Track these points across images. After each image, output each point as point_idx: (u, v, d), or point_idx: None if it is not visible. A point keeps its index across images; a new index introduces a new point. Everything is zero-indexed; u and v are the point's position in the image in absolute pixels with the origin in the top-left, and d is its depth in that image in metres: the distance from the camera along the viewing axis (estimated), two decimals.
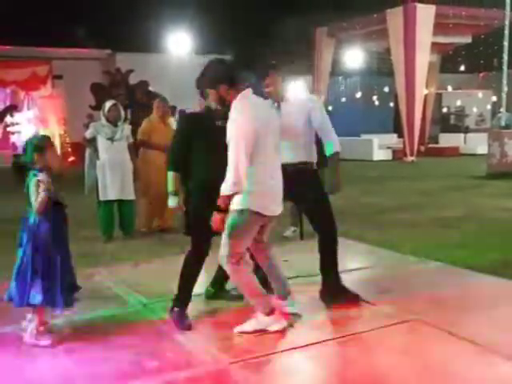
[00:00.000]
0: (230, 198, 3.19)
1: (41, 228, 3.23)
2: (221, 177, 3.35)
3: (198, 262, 3.60)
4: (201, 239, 3.58)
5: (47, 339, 3.26)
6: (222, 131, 3.48)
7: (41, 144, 3.31)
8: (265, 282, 3.59)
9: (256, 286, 3.38)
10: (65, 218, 3.37)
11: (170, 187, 3.67)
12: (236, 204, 3.26)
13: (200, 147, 3.56)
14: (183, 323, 3.52)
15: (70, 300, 3.33)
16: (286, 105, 3.82)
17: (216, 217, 3.24)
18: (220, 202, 3.21)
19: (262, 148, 3.24)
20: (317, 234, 3.96)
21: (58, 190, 3.32)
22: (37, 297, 3.20)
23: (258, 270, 3.57)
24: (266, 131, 3.26)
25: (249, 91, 3.33)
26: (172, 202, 3.71)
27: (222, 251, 3.34)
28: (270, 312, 3.39)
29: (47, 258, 3.23)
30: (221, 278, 4.01)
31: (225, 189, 3.17)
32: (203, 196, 3.53)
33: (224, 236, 3.33)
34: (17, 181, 3.41)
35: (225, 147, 3.36)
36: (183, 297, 3.61)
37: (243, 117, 3.18)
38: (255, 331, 3.37)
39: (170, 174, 3.66)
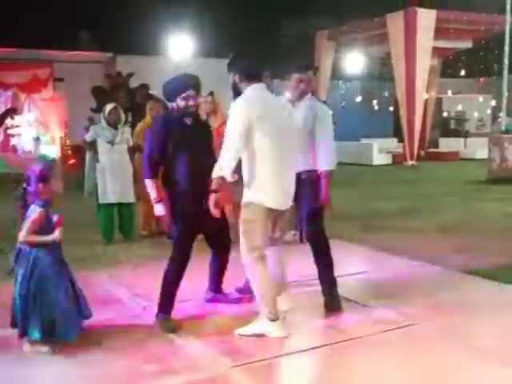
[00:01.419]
0: (220, 180, 3.21)
1: (39, 260, 3.17)
2: (203, 177, 3.44)
3: (181, 267, 3.59)
4: (182, 246, 3.59)
5: (46, 346, 3.23)
6: (193, 129, 3.61)
7: (46, 173, 3.25)
8: None
9: (270, 289, 3.37)
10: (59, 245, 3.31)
11: (153, 195, 3.65)
12: (244, 198, 3.33)
13: (175, 149, 3.57)
14: (168, 327, 3.52)
15: (74, 328, 3.28)
16: (299, 104, 3.82)
17: (211, 198, 3.25)
18: (212, 186, 3.25)
19: (265, 146, 3.25)
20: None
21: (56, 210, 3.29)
22: (35, 333, 3.16)
23: None
24: (270, 129, 3.25)
25: (261, 86, 3.36)
26: (158, 209, 3.68)
27: (241, 248, 3.38)
28: (274, 318, 3.38)
29: (46, 290, 3.18)
30: (216, 282, 4.01)
31: (213, 172, 3.25)
32: (189, 200, 3.55)
33: (240, 233, 3.37)
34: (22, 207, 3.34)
35: (201, 146, 3.51)
36: (166, 304, 3.59)
37: (242, 109, 3.24)
38: (255, 335, 3.37)
39: (149, 182, 3.64)
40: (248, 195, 3.34)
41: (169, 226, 3.74)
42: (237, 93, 3.42)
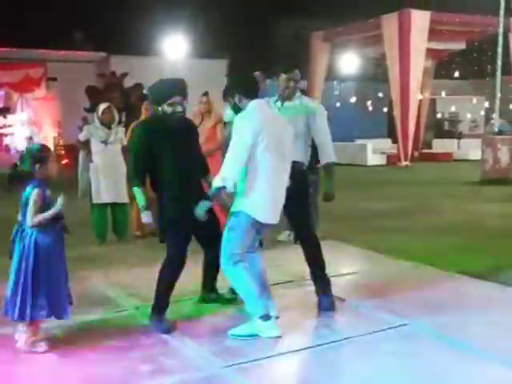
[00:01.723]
0: (221, 191, 3.24)
1: (42, 240, 3.16)
2: (191, 179, 3.51)
3: (174, 270, 3.59)
4: (176, 248, 3.58)
5: (43, 346, 3.22)
6: (179, 131, 3.62)
7: (43, 154, 3.25)
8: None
9: (252, 289, 3.38)
10: (63, 228, 3.31)
11: (141, 202, 3.62)
12: (234, 207, 3.36)
13: (163, 152, 3.55)
14: (162, 327, 3.51)
15: (67, 311, 3.30)
16: (289, 104, 3.85)
17: (216, 207, 3.27)
18: (213, 196, 3.28)
19: (264, 159, 3.29)
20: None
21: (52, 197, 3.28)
22: (42, 311, 3.14)
23: None
24: (270, 143, 3.29)
25: (261, 100, 3.44)
26: (145, 217, 3.64)
27: (221, 252, 3.42)
28: (266, 317, 3.37)
29: (50, 270, 3.17)
30: (209, 281, 4.00)
31: (215, 182, 3.28)
32: (177, 203, 3.54)
33: (223, 238, 3.41)
34: (12, 190, 3.33)
35: (188, 147, 3.56)
36: (161, 305, 3.57)
37: (247, 123, 3.28)
38: (249, 335, 3.36)
39: (137, 190, 3.62)
40: (240, 204, 3.34)
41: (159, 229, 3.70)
42: (238, 112, 3.45)
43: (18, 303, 3.13)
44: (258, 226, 3.41)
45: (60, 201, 3.20)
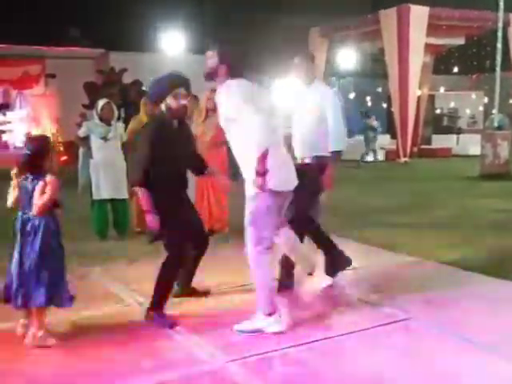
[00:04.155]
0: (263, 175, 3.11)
1: (48, 228, 3.17)
2: (185, 178, 3.62)
3: (179, 265, 3.58)
4: (179, 243, 3.56)
5: (52, 340, 3.21)
6: (178, 131, 3.64)
7: (50, 147, 3.27)
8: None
9: (270, 282, 3.36)
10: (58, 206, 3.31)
11: (147, 206, 3.44)
12: (251, 189, 3.23)
13: (162, 152, 3.49)
14: (165, 322, 3.49)
15: (71, 298, 3.30)
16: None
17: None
18: (256, 184, 3.16)
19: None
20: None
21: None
22: (42, 298, 3.14)
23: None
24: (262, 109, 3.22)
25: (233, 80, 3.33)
26: (153, 220, 3.45)
27: (246, 239, 3.32)
28: (271, 313, 3.37)
29: (54, 257, 3.19)
30: (189, 276, 3.97)
31: (257, 153, 3.12)
32: (173, 197, 3.54)
33: (246, 224, 3.30)
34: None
35: (185, 147, 3.62)
36: (162, 299, 3.55)
37: (237, 94, 3.21)
38: (253, 330, 3.36)
39: (143, 192, 3.44)
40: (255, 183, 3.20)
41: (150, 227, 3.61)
42: (210, 79, 3.40)
43: (21, 290, 3.14)
44: (277, 199, 3.27)
45: (52, 182, 3.19)
